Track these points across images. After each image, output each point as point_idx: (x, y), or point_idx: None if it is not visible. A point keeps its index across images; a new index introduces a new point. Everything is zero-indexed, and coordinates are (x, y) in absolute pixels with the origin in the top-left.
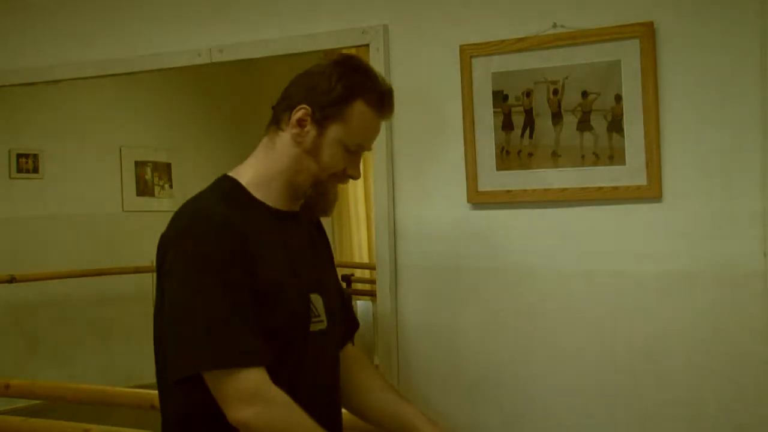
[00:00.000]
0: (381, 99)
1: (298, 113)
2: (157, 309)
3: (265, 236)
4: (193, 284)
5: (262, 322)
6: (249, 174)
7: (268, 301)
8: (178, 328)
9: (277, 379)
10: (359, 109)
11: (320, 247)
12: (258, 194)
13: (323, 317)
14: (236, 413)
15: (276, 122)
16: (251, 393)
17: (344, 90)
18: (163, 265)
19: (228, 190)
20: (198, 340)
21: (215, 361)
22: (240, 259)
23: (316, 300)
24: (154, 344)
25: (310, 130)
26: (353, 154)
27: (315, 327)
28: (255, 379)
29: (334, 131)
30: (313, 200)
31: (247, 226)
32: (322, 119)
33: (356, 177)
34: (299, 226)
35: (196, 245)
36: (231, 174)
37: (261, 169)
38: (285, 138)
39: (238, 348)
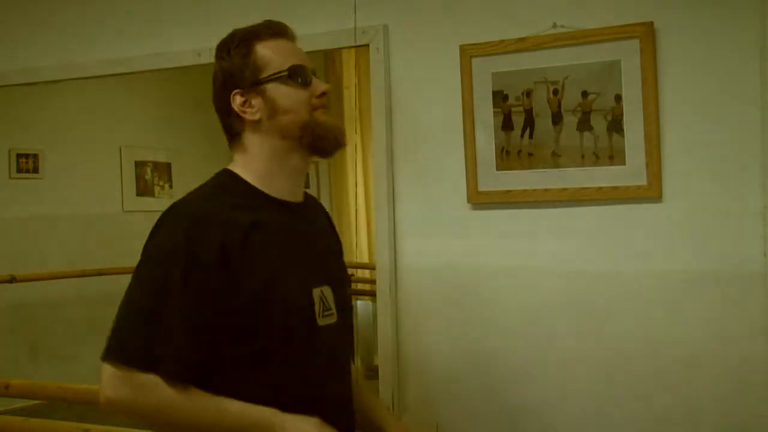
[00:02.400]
0: (269, 28)
1: (235, 101)
2: None
3: (265, 228)
4: (141, 275)
5: (242, 324)
6: (249, 168)
7: (258, 297)
8: (117, 315)
9: (288, 378)
10: (262, 48)
11: (330, 236)
12: (260, 185)
13: (333, 310)
14: (106, 392)
15: (233, 135)
16: (126, 378)
17: (240, 50)
18: None
19: (229, 182)
20: (116, 332)
21: (116, 355)
22: (209, 258)
23: (327, 292)
24: None
25: (254, 102)
26: (301, 82)
27: (325, 321)
28: (146, 379)
29: (267, 82)
30: (318, 138)
31: (243, 219)
32: (251, 86)
33: (327, 89)
34: (306, 216)
35: (160, 238)
36: (230, 168)
37: (254, 166)
38: (248, 134)
39: (147, 351)
